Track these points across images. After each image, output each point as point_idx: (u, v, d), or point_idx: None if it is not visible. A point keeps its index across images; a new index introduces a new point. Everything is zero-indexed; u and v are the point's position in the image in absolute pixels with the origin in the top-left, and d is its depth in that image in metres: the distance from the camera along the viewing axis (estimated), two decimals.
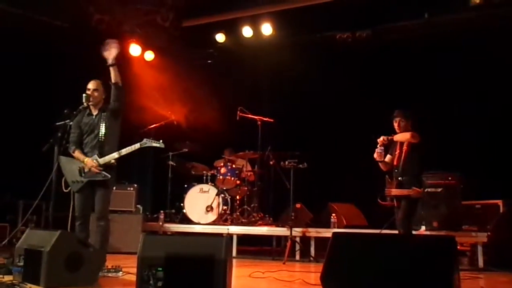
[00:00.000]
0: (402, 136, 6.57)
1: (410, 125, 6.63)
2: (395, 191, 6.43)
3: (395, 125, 6.68)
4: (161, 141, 5.95)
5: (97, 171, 5.79)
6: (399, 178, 6.44)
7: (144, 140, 5.89)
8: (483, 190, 8.11)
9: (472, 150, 8.72)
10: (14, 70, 9.44)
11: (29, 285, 4.71)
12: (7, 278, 4.98)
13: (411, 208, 6.41)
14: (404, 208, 6.36)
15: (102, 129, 5.90)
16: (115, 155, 5.80)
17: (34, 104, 9.59)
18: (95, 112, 6.00)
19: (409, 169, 6.46)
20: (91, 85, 5.96)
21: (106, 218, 5.86)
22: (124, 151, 5.84)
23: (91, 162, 5.81)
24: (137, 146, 5.86)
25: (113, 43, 5.85)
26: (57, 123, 5.73)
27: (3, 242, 7.85)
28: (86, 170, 5.83)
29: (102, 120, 5.93)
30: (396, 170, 6.54)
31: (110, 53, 5.81)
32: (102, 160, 5.81)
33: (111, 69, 5.84)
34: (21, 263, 5.00)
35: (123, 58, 10.39)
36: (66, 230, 5.16)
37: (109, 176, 5.80)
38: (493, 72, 8.76)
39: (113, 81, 5.88)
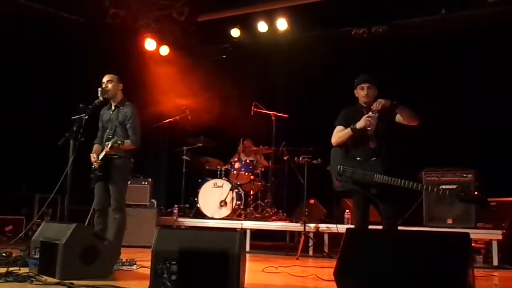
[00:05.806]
0: (410, 120, 5.09)
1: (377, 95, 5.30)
2: None
3: (361, 93, 5.29)
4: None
5: (96, 165, 5.89)
6: None
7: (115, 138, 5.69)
8: (499, 187, 8.02)
9: (488, 146, 8.63)
10: (32, 63, 9.51)
11: (44, 277, 4.76)
12: (23, 270, 5.02)
13: None
14: None
15: (113, 126, 5.95)
16: (105, 149, 5.75)
17: (51, 98, 9.66)
18: (112, 107, 6.09)
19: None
20: (104, 78, 6.04)
21: (121, 211, 5.89)
22: (108, 149, 5.70)
23: (92, 157, 5.94)
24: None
25: None
26: (73, 117, 5.76)
27: (19, 235, 7.93)
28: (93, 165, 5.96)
29: (117, 117, 5.99)
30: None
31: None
32: (100, 156, 5.88)
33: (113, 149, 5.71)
34: (37, 256, 5.07)
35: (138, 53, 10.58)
36: (81, 223, 5.18)
37: (101, 174, 5.84)
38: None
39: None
